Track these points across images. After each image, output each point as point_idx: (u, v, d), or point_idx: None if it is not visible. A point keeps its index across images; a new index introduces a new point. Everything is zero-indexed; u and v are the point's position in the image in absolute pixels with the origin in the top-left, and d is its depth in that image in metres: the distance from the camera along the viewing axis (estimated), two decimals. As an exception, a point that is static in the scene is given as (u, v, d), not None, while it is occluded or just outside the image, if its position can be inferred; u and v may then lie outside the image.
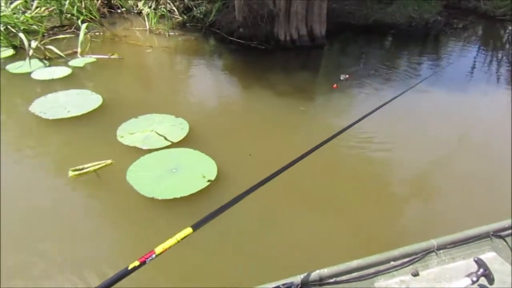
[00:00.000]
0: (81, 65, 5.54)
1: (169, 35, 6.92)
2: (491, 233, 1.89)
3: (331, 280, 1.65)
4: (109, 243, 2.70)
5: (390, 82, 5.39)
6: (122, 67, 5.70)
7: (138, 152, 3.58)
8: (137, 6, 8.28)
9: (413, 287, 1.66)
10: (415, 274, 1.71)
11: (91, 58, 5.76)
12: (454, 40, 7.71)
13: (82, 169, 3.35)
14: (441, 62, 6.48)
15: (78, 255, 2.58)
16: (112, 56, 5.94)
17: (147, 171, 3.32)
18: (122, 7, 8.22)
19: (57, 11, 7.18)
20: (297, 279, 1.62)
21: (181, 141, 3.78)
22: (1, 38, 5.97)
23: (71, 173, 3.29)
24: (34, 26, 6.58)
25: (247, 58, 6.02)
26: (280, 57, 6.21)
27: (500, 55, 7.15)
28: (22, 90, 4.79)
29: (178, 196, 3.04)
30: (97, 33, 6.85)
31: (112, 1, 8.21)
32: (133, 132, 3.87)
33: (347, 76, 5.35)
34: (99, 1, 7.88)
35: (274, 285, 1.57)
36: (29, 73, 5.19)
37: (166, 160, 3.47)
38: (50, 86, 4.85)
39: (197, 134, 3.88)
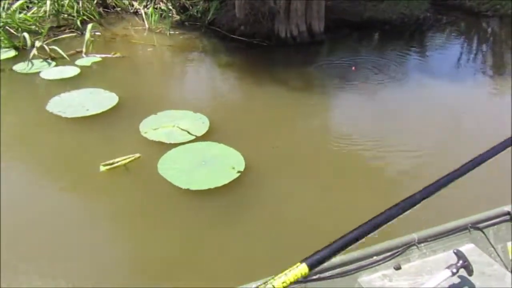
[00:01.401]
0: (88, 64, 5.57)
1: (170, 33, 6.98)
2: (470, 225, 1.91)
3: (314, 277, 1.62)
4: (152, 232, 2.80)
5: (389, 73, 5.65)
6: (128, 65, 5.75)
7: (164, 146, 3.68)
8: (132, 5, 8.29)
9: (396, 280, 1.68)
10: (397, 268, 1.73)
11: (96, 58, 5.78)
12: (442, 34, 8.05)
13: (113, 163, 3.43)
14: (430, 54, 6.83)
15: (125, 243, 2.68)
16: (115, 55, 5.98)
17: (177, 163, 3.43)
18: (118, 7, 8.21)
19: (54, 11, 7.13)
20: None
21: (204, 135, 3.88)
22: (3, 39, 5.91)
23: (102, 168, 3.37)
24: (33, 27, 6.54)
25: (251, 55, 6.16)
26: (282, 53, 6.38)
27: (484, 47, 7.59)
28: (35, 90, 4.82)
29: (212, 186, 3.17)
30: (97, 33, 6.84)
31: (108, 0, 8.18)
32: (156, 127, 3.96)
33: (354, 68, 5.58)
34: (95, 0, 7.86)
35: (254, 285, 1.54)
36: (38, 73, 5.18)
37: (193, 153, 3.59)
38: (61, 85, 4.87)
39: (218, 128, 4.00)
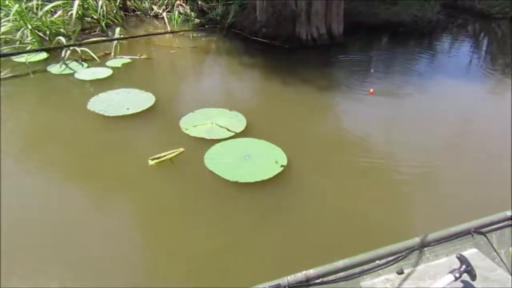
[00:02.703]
0: (119, 65, 5.75)
1: (192, 36, 7.17)
2: (473, 230, 1.91)
3: (317, 281, 1.66)
4: (206, 220, 2.96)
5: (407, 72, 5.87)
6: (157, 66, 5.94)
7: (206, 142, 3.85)
8: (152, 9, 8.48)
9: (398, 285, 1.68)
10: (400, 272, 1.74)
11: (125, 59, 5.96)
12: (455, 36, 8.26)
13: (159, 157, 3.60)
14: (445, 54, 7.03)
15: (181, 230, 2.85)
16: (142, 57, 6.16)
17: (223, 158, 3.60)
18: (138, 10, 8.41)
19: (78, 15, 7.32)
20: (284, 280, 1.64)
21: (242, 131, 4.05)
22: (34, 41, 6.10)
23: (150, 162, 3.54)
24: (61, 30, 6.73)
25: (274, 56, 6.35)
26: (304, 54, 6.56)
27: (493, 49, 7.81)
28: (73, 90, 4.99)
29: (259, 179, 3.33)
30: (121, 35, 7.02)
31: (128, 4, 8.38)
32: (195, 124, 4.14)
33: (372, 70, 5.78)
34: (117, 4, 8.05)
35: (261, 287, 1.59)
36: (72, 74, 5.36)
37: (236, 149, 3.76)
38: (97, 86, 5.05)
39: (255, 125, 4.17)
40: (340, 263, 1.72)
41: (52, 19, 6.51)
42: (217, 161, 3.56)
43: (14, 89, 4.93)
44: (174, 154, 3.65)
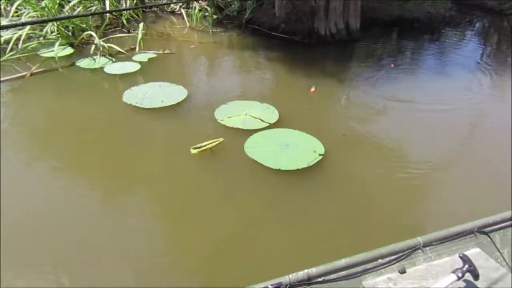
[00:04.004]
0: (145, 60, 5.88)
1: (212, 31, 7.30)
2: (476, 229, 1.90)
3: (319, 279, 1.66)
4: (256, 204, 3.12)
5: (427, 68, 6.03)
6: (182, 61, 6.08)
7: (242, 132, 4.00)
8: (169, 5, 8.60)
9: (401, 284, 1.68)
10: (402, 272, 1.73)
11: (150, 54, 6.09)
12: (468, 31, 8.42)
13: (201, 147, 3.74)
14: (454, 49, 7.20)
15: (230, 216, 2.99)
16: (165, 52, 6.29)
17: (262, 147, 3.74)
18: (156, 6, 8.53)
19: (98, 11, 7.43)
20: (286, 279, 1.64)
21: (276, 122, 4.20)
22: (61, 37, 6.22)
23: (192, 151, 3.68)
24: (84, 25, 6.84)
25: (295, 51, 6.50)
26: (324, 49, 6.71)
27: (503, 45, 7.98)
28: (105, 83, 5.12)
29: (300, 167, 3.48)
30: (142, 31, 7.13)
31: (145, 1, 8.49)
32: (230, 116, 4.28)
33: (392, 65, 5.93)
34: (135, 1, 8.16)
35: (262, 286, 1.59)
36: (102, 68, 5.49)
37: (274, 138, 3.90)
38: (127, 79, 5.19)
39: (287, 116, 4.31)
40: (342, 262, 1.72)
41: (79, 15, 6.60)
42: (258, 150, 3.70)
43: (49, 83, 5.06)
44: (214, 144, 3.79)
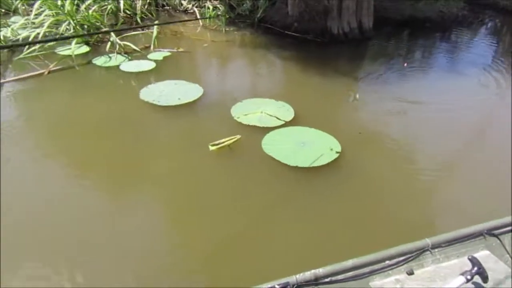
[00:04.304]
0: (160, 58, 5.95)
1: (225, 30, 7.35)
2: (485, 231, 1.89)
3: (326, 280, 1.65)
4: (274, 200, 3.16)
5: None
6: (196, 59, 6.14)
7: (259, 129, 4.05)
8: (181, 4, 8.68)
9: (408, 286, 1.67)
10: (410, 273, 1.72)
11: (165, 52, 6.16)
12: (482, 31, 8.39)
13: (219, 144, 3.79)
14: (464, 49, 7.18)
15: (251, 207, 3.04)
16: (179, 50, 6.36)
17: (279, 144, 3.79)
18: (168, 5, 8.61)
19: (112, 10, 7.52)
20: (293, 279, 1.64)
21: (292, 120, 4.24)
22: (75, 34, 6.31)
23: (211, 147, 3.73)
24: (98, 24, 6.93)
25: (308, 50, 6.53)
26: (337, 48, 6.73)
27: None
28: (122, 81, 5.19)
29: (317, 164, 3.52)
30: (157, 30, 7.20)
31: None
32: (246, 113, 4.33)
33: (405, 64, 5.95)
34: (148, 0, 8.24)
35: (269, 285, 1.59)
36: (118, 66, 5.57)
37: (290, 136, 3.95)
38: (143, 77, 5.26)
39: (303, 115, 4.35)
40: (349, 262, 1.72)
41: (94, 14, 6.68)
42: (275, 147, 3.75)
43: (67, 81, 5.14)
44: (232, 141, 3.84)
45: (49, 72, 5.36)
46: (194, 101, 4.59)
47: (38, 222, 2.84)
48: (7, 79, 5.10)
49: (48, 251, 2.61)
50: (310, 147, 3.76)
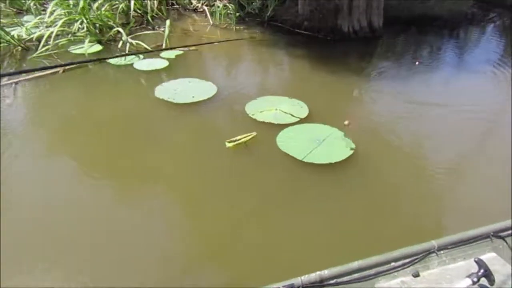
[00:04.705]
0: (173, 56, 6.00)
1: (235, 29, 7.40)
2: (492, 233, 1.87)
3: (331, 282, 1.65)
4: (286, 197, 3.21)
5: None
6: (208, 57, 6.19)
7: (273, 126, 4.09)
8: (191, 3, 8.74)
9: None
10: (416, 275, 1.71)
11: (177, 51, 6.21)
12: (493, 29, 8.38)
13: (235, 140, 3.84)
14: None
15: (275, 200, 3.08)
16: (191, 49, 6.41)
17: (294, 141, 3.83)
18: (178, 4, 8.67)
19: (123, 9, 7.59)
20: (298, 280, 1.65)
21: (306, 117, 4.27)
22: (88, 34, 6.38)
23: (228, 144, 3.78)
24: (110, 23, 7.00)
25: (319, 48, 6.56)
26: (347, 46, 6.75)
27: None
28: (136, 79, 5.25)
29: (333, 161, 3.56)
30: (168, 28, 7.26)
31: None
32: (261, 110, 4.37)
33: (418, 62, 5.97)
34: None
35: (274, 287, 1.60)
36: (131, 65, 5.63)
37: (305, 133, 3.98)
38: (157, 75, 5.32)
39: (317, 112, 4.39)
40: (355, 264, 1.71)
41: (106, 13, 6.75)
42: (289, 144, 3.79)
43: (82, 79, 5.21)
44: (248, 138, 3.89)
45: (64, 71, 5.42)
46: (209, 99, 4.64)
47: (58, 219, 2.90)
48: (25, 77, 5.17)
49: (78, 248, 2.66)
50: (325, 144, 3.80)
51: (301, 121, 4.22)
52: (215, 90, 4.82)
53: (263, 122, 4.17)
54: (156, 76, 5.27)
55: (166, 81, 5.07)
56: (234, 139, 3.84)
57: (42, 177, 3.34)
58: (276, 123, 4.15)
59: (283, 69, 5.91)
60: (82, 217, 2.92)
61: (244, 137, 3.89)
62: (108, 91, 4.85)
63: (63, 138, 3.95)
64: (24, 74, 5.23)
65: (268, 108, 4.42)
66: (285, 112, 4.34)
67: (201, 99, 4.62)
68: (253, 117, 4.26)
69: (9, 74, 5.01)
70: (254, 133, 3.95)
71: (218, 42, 6.77)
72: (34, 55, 5.87)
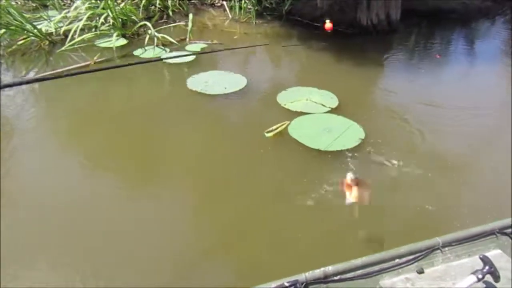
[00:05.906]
0: (198, 49, 6.14)
1: (255, 23, 7.53)
2: (497, 230, 1.86)
3: (335, 278, 1.65)
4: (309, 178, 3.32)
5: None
6: (232, 51, 6.30)
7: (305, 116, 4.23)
8: (210, -3, 8.84)
9: (418, 285, 1.65)
10: (420, 272, 1.71)
11: (201, 44, 6.35)
12: (502, 22, 8.50)
13: (273, 130, 3.99)
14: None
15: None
16: (214, 42, 6.55)
17: (305, 129, 4.00)
18: (195, -1, 8.78)
19: (144, 4, 7.71)
20: (302, 277, 1.64)
21: (336, 108, 4.42)
22: (111, 28, 6.52)
23: (267, 134, 3.93)
24: (134, 17, 7.13)
25: (339, 41, 6.67)
26: (367, 39, 6.88)
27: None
28: (166, 72, 5.40)
29: (339, 149, 3.67)
30: (181, 23, 7.36)
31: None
32: (292, 101, 4.52)
33: (438, 56, 6.12)
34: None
35: (279, 283, 1.60)
36: (158, 58, 5.76)
37: (317, 123, 4.13)
38: (186, 68, 5.48)
39: (346, 102, 4.53)
40: (359, 261, 1.72)
41: (129, 7, 6.88)
42: (301, 132, 3.95)
43: (113, 72, 5.34)
44: (283, 127, 4.04)
45: (94, 63, 5.57)
46: (240, 90, 4.79)
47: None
48: (57, 70, 5.32)
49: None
50: (334, 134, 3.90)
51: (332, 111, 4.36)
52: (245, 82, 4.97)
53: (296, 112, 4.31)
54: (185, 69, 5.43)
55: (196, 73, 5.21)
56: (271, 128, 3.99)
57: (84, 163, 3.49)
58: (307, 112, 4.30)
59: (307, 61, 6.05)
60: (128, 195, 3.11)
61: (280, 126, 4.04)
62: (140, 83, 5.01)
63: (104, 127, 4.11)
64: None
65: (298, 98, 4.57)
66: (316, 102, 4.49)
67: (232, 90, 4.77)
68: (285, 107, 4.41)
69: (72, 74, 5.19)
70: (287, 122, 4.10)
71: (239, 36, 6.89)
72: (62, 48, 6.01)
